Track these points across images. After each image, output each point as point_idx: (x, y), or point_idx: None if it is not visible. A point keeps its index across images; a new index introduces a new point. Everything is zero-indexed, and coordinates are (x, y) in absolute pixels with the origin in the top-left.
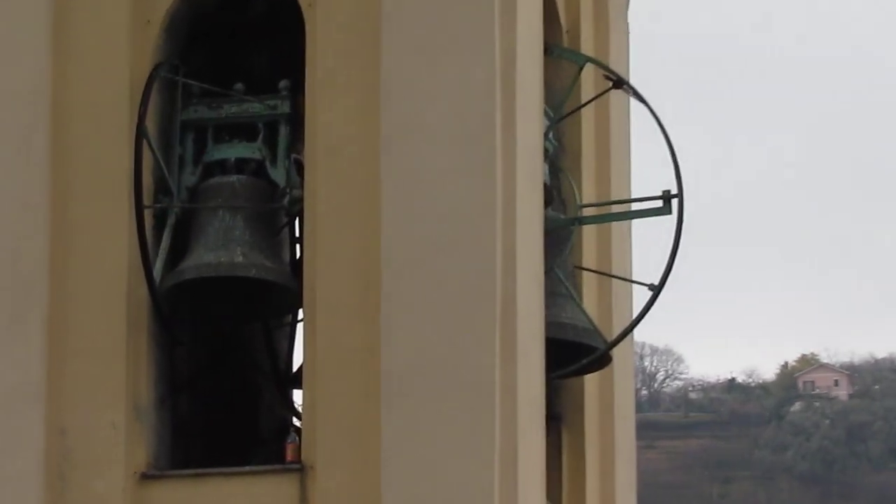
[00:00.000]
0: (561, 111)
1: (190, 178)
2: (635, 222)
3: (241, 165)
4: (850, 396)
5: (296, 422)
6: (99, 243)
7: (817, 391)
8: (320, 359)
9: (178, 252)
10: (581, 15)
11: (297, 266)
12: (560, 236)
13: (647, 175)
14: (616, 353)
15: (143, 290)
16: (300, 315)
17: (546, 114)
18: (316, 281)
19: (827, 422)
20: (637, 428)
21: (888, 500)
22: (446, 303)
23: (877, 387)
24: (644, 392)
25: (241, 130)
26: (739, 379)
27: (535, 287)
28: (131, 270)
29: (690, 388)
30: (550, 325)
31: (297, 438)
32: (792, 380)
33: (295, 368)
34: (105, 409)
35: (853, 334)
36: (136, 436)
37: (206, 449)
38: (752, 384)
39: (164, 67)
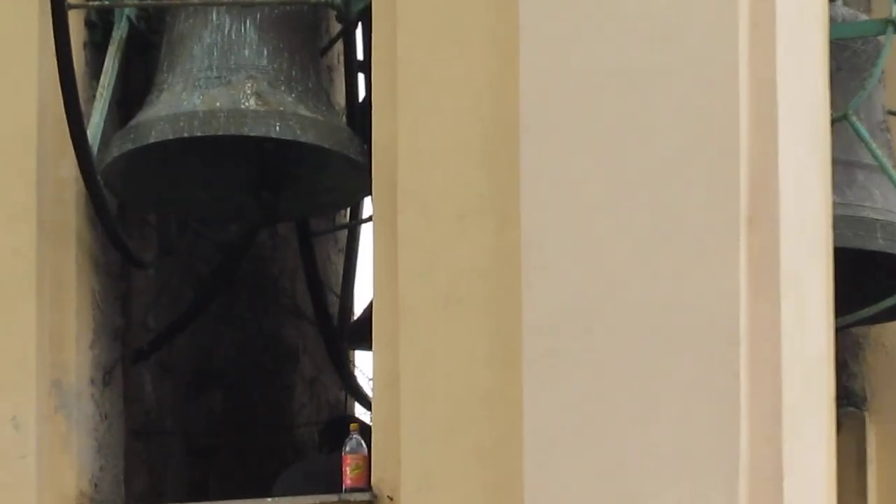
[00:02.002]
0: None
1: None
2: None
3: None
4: None
5: (360, 411)
6: None
7: None
8: (410, 295)
9: (133, 93)
10: None
11: (360, 119)
12: (857, 56)
13: None
14: None
15: (71, 168)
16: (366, 212)
17: None
18: (403, 147)
19: None
20: None
21: None
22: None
23: None
24: None
25: None
26: None
27: (818, 165)
28: (45, 126)
29: None
30: (842, 223)
31: (362, 445)
32: None
33: (357, 313)
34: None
35: None
36: (60, 442)
37: (196, 463)
38: None
39: None
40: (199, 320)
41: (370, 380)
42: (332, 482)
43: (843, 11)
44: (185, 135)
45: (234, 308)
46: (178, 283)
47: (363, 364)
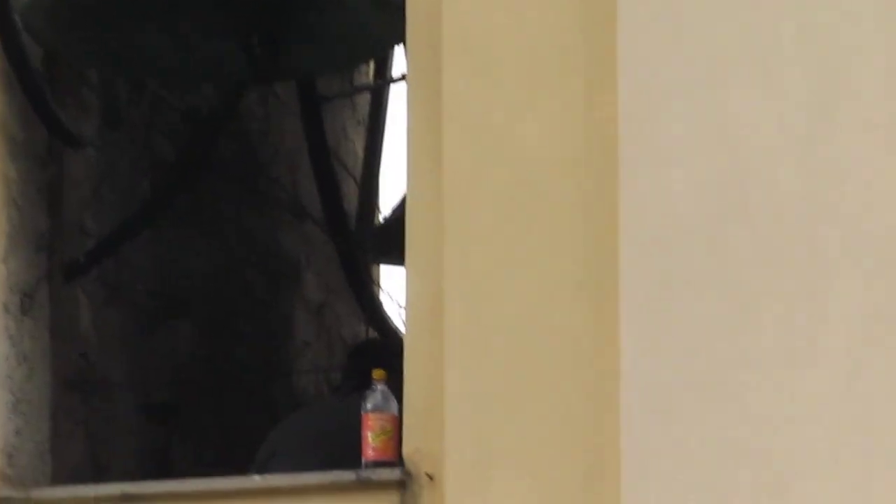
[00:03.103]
0: None
1: None
2: None
3: None
4: None
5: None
6: None
7: None
8: (461, 186)
9: None
10: None
11: None
12: None
13: None
14: None
15: None
16: (398, 68)
17: None
18: None
19: None
20: None
21: None
22: None
23: None
24: None
25: None
26: None
27: None
28: None
29: None
30: None
31: (391, 400)
32: None
33: (384, 212)
34: None
35: None
36: None
37: (153, 426)
38: None
39: None
40: (159, 223)
41: (402, 308)
42: (349, 444)
43: None
44: None
45: (209, 205)
46: (129, 169)
47: (391, 285)
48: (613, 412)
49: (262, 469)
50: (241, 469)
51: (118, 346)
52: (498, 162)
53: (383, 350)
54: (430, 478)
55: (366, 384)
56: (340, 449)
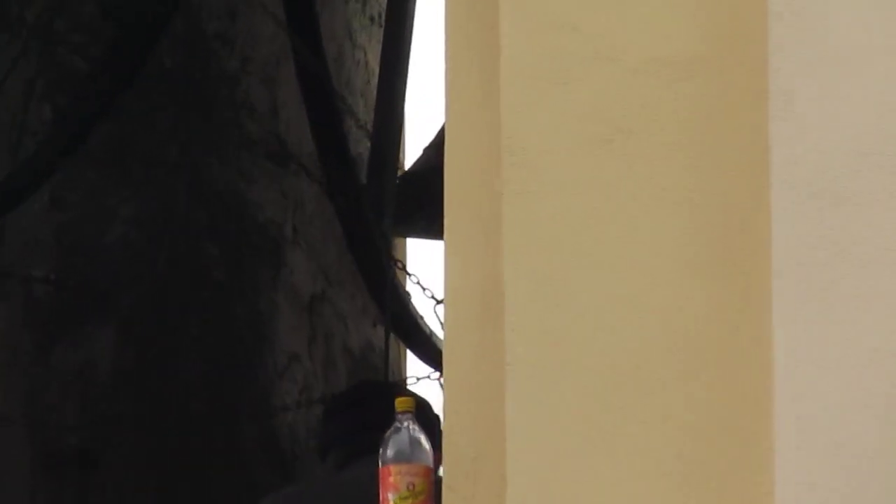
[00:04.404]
0: None
1: None
2: None
3: None
4: None
5: (412, 368)
6: None
7: None
8: (527, 121)
9: None
10: None
11: None
12: None
13: None
14: None
15: None
16: None
17: None
18: None
19: None
20: None
21: None
22: None
23: None
24: None
25: None
26: None
27: None
28: None
29: None
30: None
31: (421, 442)
32: None
33: (410, 157)
34: None
35: None
36: None
37: (58, 479)
38: None
39: None
40: (64, 172)
41: (437, 302)
42: None
43: None
44: None
45: (142, 145)
46: (18, 91)
47: (421, 269)
48: (766, 461)
49: None
50: None
51: (6, 365)
52: (587, 77)
53: (381, 393)
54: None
55: (367, 449)
56: None
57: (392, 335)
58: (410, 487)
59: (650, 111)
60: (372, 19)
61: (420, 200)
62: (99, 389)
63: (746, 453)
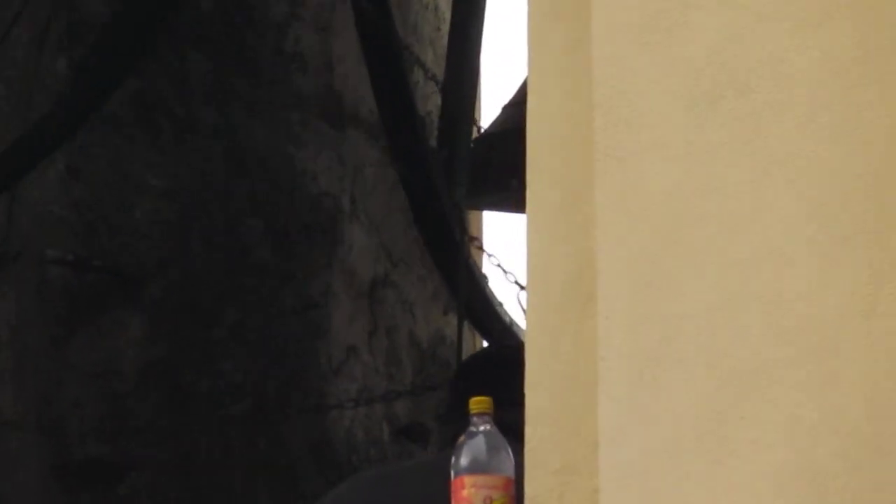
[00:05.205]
0: None
1: None
2: None
3: None
4: None
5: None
6: None
7: None
8: (623, 80)
9: None
10: None
11: None
12: None
13: None
14: None
15: None
16: None
17: None
18: None
19: None
20: None
21: None
22: None
23: None
24: None
25: None
26: None
27: None
28: None
29: None
30: None
31: (503, 451)
32: None
33: (486, 118)
34: None
35: None
36: None
37: (81, 491)
38: None
39: None
40: (95, 129)
41: (521, 288)
42: None
43: None
44: None
45: (176, 105)
46: (58, 30)
47: (498, 246)
48: None
49: None
50: None
51: (17, 361)
52: (695, 23)
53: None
54: None
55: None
56: None
57: (466, 325)
58: (488, 502)
59: (772, 64)
60: None
61: (498, 167)
62: (124, 389)
63: (890, 467)
